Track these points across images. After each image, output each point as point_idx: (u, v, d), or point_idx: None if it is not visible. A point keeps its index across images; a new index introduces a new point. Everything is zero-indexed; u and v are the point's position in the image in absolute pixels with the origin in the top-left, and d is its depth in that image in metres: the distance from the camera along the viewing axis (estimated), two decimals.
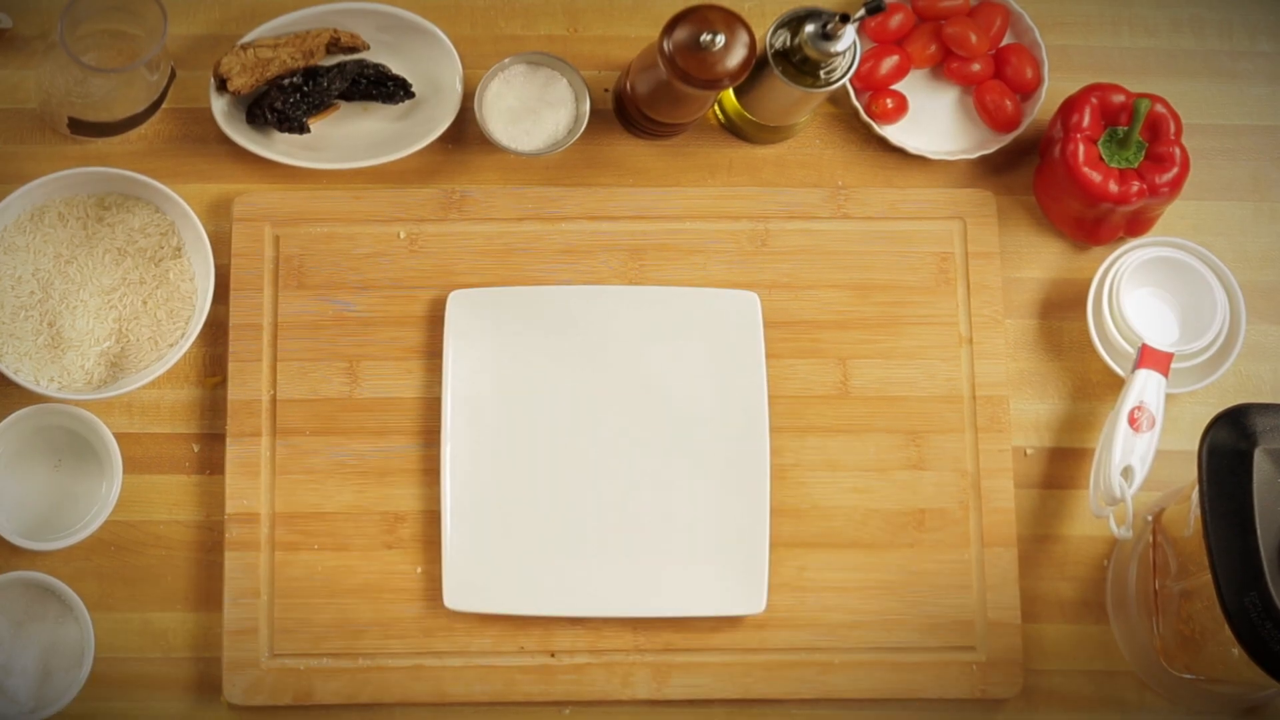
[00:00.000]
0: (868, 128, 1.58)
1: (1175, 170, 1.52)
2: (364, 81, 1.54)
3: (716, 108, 1.59)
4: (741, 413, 1.49)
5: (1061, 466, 1.54)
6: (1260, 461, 1.28)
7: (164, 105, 1.54)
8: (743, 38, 1.44)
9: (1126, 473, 1.45)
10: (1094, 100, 1.53)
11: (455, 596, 1.45)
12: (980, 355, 1.54)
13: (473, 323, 1.50)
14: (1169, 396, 1.52)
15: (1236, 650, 1.30)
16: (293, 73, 1.52)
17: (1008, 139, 1.58)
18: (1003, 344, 1.54)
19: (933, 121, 1.60)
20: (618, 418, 1.49)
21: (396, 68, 1.56)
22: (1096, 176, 1.51)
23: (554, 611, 1.45)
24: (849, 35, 1.46)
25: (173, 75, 1.53)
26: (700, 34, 1.43)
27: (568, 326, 1.50)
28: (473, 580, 1.45)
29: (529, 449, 1.48)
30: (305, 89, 1.52)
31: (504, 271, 1.53)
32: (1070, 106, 1.54)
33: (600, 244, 1.54)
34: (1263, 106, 1.63)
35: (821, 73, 1.48)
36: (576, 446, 1.49)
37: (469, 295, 1.50)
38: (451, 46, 1.55)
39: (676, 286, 1.52)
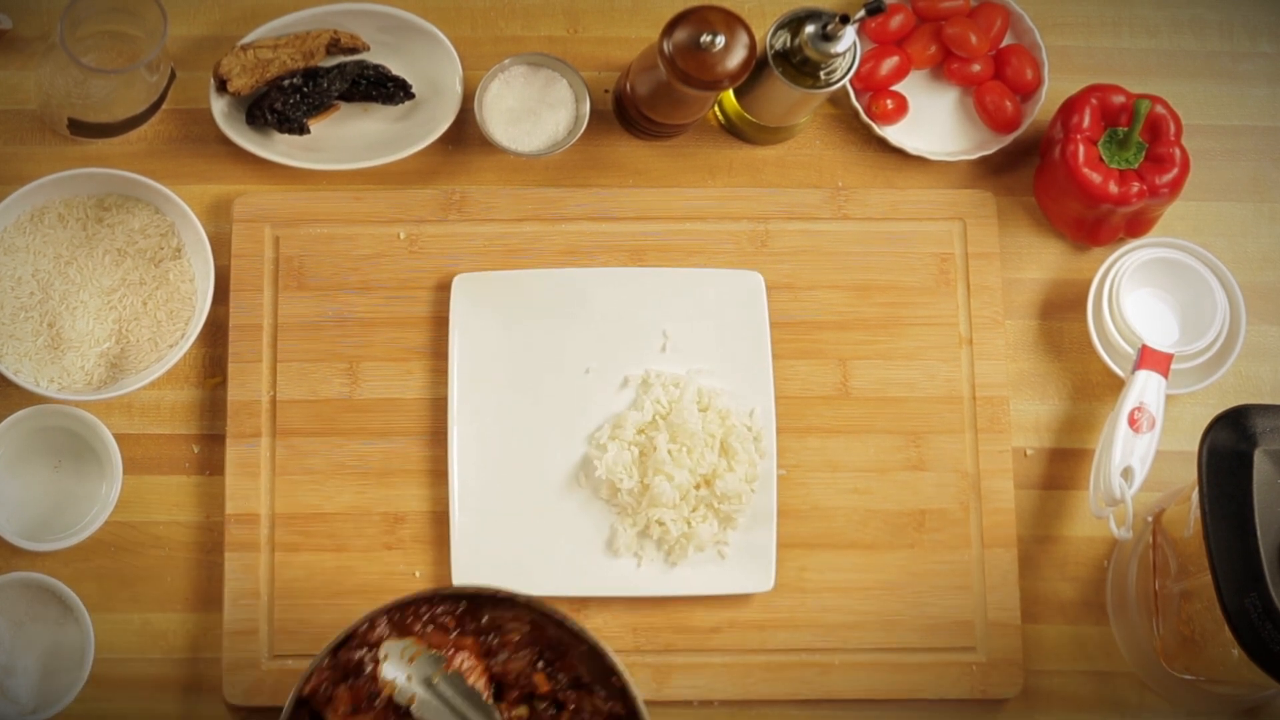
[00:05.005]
0: (868, 128, 1.58)
1: (1175, 171, 1.52)
2: (364, 82, 1.54)
3: (717, 108, 1.59)
4: (749, 389, 1.49)
5: (1061, 467, 1.54)
6: (1260, 462, 1.28)
7: (164, 106, 1.54)
8: (743, 38, 1.44)
9: (1126, 473, 1.45)
10: (1094, 101, 1.53)
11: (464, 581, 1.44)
12: (980, 356, 1.53)
13: (477, 307, 1.49)
14: (1169, 397, 1.52)
15: (1236, 651, 1.30)
16: (293, 73, 1.52)
17: (1008, 140, 1.58)
18: (1003, 345, 1.54)
19: (933, 122, 1.60)
20: (622, 399, 1.49)
21: (396, 68, 1.56)
22: (1096, 177, 1.51)
23: (563, 593, 1.45)
24: (849, 36, 1.46)
25: (173, 76, 1.53)
26: (700, 35, 1.43)
27: (572, 309, 1.50)
28: (479, 568, 1.44)
29: (534, 432, 1.48)
30: (305, 90, 1.52)
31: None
32: (1070, 107, 1.54)
33: (601, 245, 1.54)
34: (1263, 107, 1.63)
35: (821, 74, 1.48)
36: (582, 429, 1.48)
37: (473, 279, 1.50)
38: (451, 47, 1.55)
39: (682, 268, 1.52)
